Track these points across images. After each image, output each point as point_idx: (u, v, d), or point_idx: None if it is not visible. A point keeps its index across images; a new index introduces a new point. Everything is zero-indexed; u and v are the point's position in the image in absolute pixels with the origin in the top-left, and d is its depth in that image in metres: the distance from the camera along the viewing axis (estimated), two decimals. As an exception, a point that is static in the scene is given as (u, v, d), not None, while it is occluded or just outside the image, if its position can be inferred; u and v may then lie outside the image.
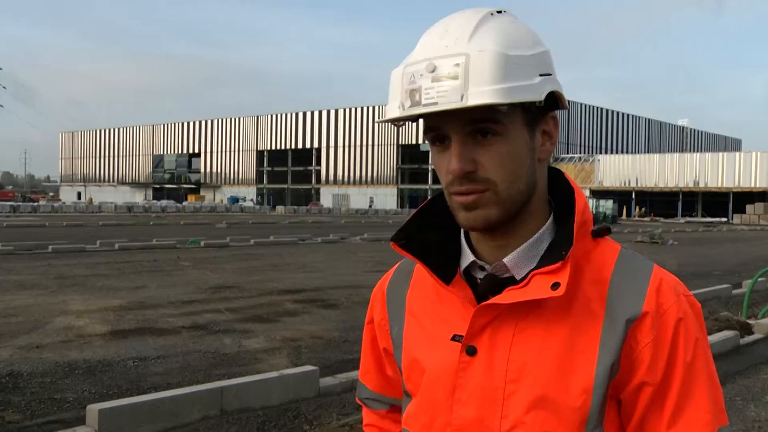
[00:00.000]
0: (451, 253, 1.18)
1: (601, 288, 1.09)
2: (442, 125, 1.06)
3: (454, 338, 1.13)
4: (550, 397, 1.06)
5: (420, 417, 1.18)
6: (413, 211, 1.23)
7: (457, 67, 1.01)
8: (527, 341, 1.08)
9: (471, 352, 1.11)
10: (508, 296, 1.08)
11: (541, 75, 1.06)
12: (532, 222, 1.13)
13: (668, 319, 1.07)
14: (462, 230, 1.18)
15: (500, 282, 1.11)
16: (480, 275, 1.15)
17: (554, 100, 1.09)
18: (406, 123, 1.10)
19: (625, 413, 1.10)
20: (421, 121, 1.09)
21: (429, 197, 1.23)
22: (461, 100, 1.00)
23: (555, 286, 1.05)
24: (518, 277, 1.11)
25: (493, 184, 1.06)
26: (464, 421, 1.11)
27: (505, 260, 1.12)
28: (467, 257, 1.16)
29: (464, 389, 1.11)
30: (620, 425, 1.10)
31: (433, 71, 1.02)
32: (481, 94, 1.00)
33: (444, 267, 1.16)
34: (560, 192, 1.16)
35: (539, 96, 1.04)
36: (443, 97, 1.01)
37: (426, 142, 1.12)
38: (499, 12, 1.09)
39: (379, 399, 1.37)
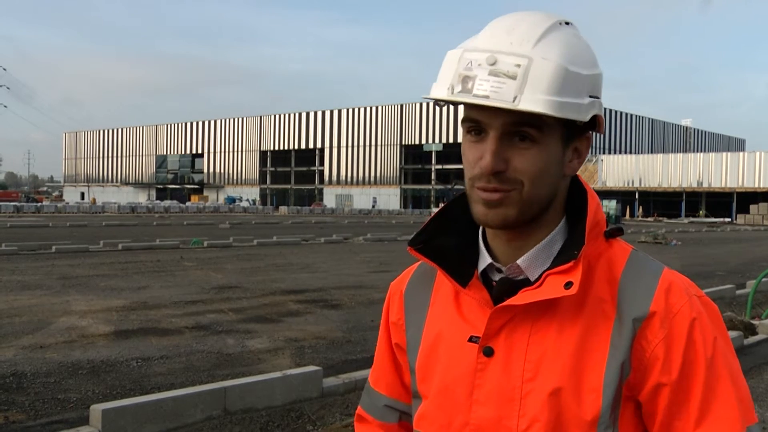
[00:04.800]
0: (468, 255, 1.18)
1: (612, 288, 1.10)
2: (485, 118, 1.05)
3: (470, 339, 1.14)
4: (563, 396, 1.06)
5: (437, 417, 1.18)
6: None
7: (517, 67, 1.00)
8: (542, 341, 1.09)
9: (488, 353, 1.12)
10: (522, 297, 1.08)
11: (591, 96, 1.06)
12: (547, 226, 1.14)
13: (681, 318, 1.06)
14: (480, 232, 1.19)
15: (515, 283, 1.12)
16: (496, 277, 1.15)
17: (593, 121, 1.10)
18: (446, 105, 1.10)
19: (647, 415, 1.09)
20: (461, 107, 1.08)
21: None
22: (513, 101, 0.99)
23: (568, 285, 1.05)
24: (532, 279, 1.12)
25: (519, 185, 1.06)
26: (483, 421, 1.12)
27: (519, 262, 1.13)
28: (485, 259, 1.16)
29: (482, 389, 1.12)
30: (637, 427, 1.10)
31: (493, 64, 1.01)
32: (535, 101, 0.99)
33: (461, 270, 1.16)
34: (574, 194, 1.17)
35: (584, 117, 1.05)
36: (496, 93, 1.00)
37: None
38: (567, 23, 1.09)
39: (393, 405, 1.33)
